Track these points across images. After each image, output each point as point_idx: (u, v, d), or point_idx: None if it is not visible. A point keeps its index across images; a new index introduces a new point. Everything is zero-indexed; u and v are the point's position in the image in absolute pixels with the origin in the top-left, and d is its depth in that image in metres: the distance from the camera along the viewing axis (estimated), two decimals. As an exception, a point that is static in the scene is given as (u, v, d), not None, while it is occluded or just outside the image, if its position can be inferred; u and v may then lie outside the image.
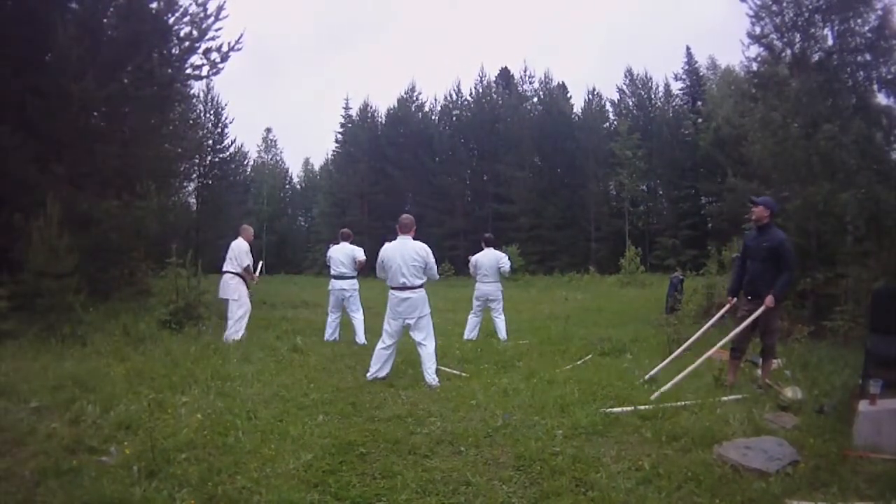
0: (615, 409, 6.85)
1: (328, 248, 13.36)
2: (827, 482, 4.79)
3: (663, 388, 7.63)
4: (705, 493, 4.61)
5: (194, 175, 46.27)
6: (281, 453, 5.37)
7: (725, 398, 7.28)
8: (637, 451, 5.57)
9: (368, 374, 8.78)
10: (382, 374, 8.81)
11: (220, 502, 4.43)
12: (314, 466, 5.11)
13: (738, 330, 8.07)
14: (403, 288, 8.74)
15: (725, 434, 5.82)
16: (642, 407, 6.84)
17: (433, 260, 8.98)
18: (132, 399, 6.91)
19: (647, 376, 8.43)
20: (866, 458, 5.23)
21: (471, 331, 13.05)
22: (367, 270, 12.95)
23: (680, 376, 7.87)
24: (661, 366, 8.69)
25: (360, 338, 12.43)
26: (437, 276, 9.34)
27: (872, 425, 5.53)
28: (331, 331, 12.80)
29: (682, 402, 7.04)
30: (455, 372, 9.29)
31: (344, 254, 12.74)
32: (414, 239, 8.94)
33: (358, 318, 12.78)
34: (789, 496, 4.54)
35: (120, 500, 4.33)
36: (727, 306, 8.77)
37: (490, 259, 13.09)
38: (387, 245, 8.97)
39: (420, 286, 8.84)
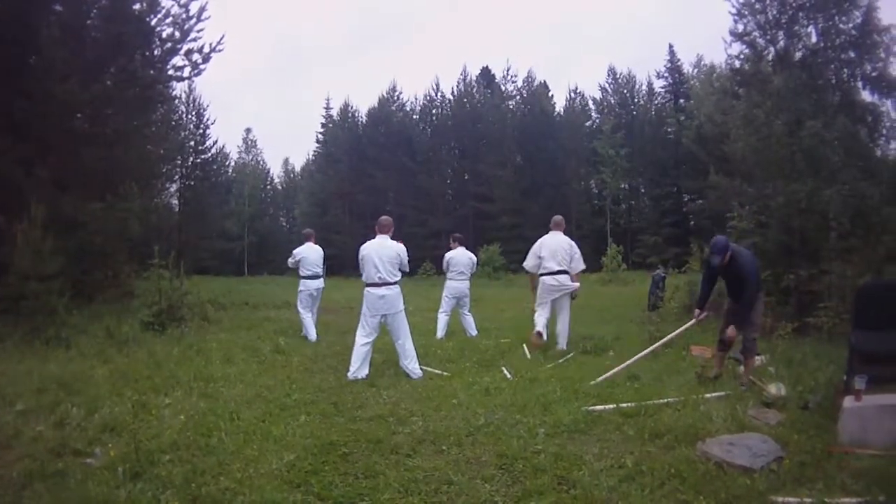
0: (597, 407, 6.86)
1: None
2: (812, 478, 4.79)
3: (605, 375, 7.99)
4: (689, 490, 4.60)
5: (176, 176, 46.23)
6: (264, 454, 5.38)
7: (708, 395, 7.29)
8: (620, 449, 5.58)
9: (349, 374, 8.85)
10: (363, 373, 8.90)
11: (203, 503, 4.44)
12: (297, 467, 5.12)
13: (679, 332, 8.29)
14: (381, 284, 9.07)
15: (709, 431, 5.81)
16: (624, 405, 6.85)
17: (406, 258, 9.42)
18: (116, 401, 6.95)
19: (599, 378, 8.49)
20: (852, 453, 5.23)
21: (443, 329, 13.08)
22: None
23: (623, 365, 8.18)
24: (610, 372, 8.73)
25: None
26: (408, 269, 9.63)
27: (857, 421, 5.55)
28: (314, 329, 12.94)
29: (665, 400, 7.07)
30: (437, 371, 9.33)
31: (317, 253, 13.05)
32: (392, 238, 9.34)
33: (315, 315, 13.35)
34: (774, 492, 4.52)
35: (105, 502, 4.35)
36: (694, 320, 8.87)
37: (464, 257, 13.31)
38: (365, 244, 9.32)
39: (396, 283, 9.20)
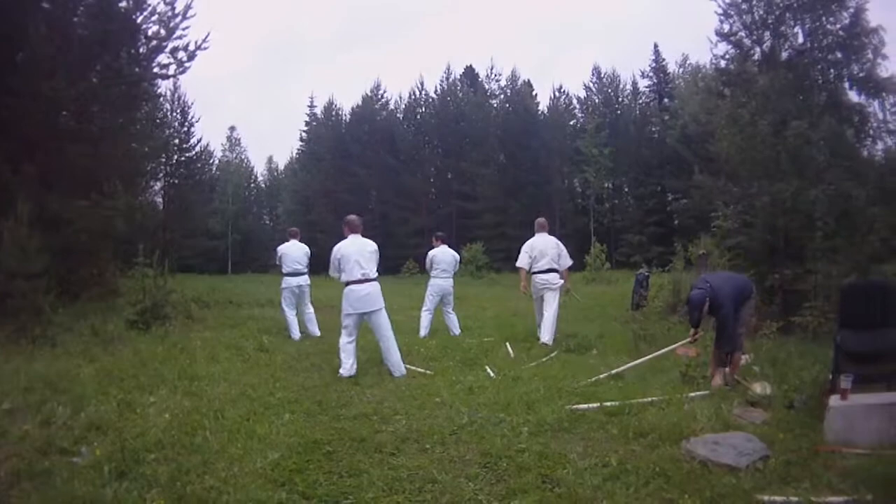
0: (581, 406, 6.86)
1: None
2: (798, 477, 4.82)
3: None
4: (674, 489, 4.62)
5: (161, 174, 45.94)
6: (248, 452, 5.39)
7: (693, 394, 7.31)
8: (604, 448, 5.59)
9: (341, 371, 8.94)
10: (353, 370, 8.98)
11: (189, 502, 4.45)
12: (281, 465, 5.14)
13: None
14: (363, 281, 9.17)
15: (693, 430, 5.81)
16: (608, 403, 6.86)
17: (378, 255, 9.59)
18: (102, 400, 6.94)
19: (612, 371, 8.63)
20: (838, 452, 5.25)
21: (426, 327, 13.11)
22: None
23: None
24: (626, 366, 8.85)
25: (316, 330, 13.13)
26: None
27: (844, 420, 5.58)
28: (297, 327, 13.01)
29: (649, 398, 7.10)
30: (420, 370, 9.38)
31: (300, 251, 13.17)
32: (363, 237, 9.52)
33: (311, 312, 13.38)
34: (760, 491, 4.55)
35: (91, 501, 4.36)
36: (690, 338, 8.92)
37: (448, 255, 13.38)
38: (340, 244, 9.38)
39: (376, 279, 9.32)
